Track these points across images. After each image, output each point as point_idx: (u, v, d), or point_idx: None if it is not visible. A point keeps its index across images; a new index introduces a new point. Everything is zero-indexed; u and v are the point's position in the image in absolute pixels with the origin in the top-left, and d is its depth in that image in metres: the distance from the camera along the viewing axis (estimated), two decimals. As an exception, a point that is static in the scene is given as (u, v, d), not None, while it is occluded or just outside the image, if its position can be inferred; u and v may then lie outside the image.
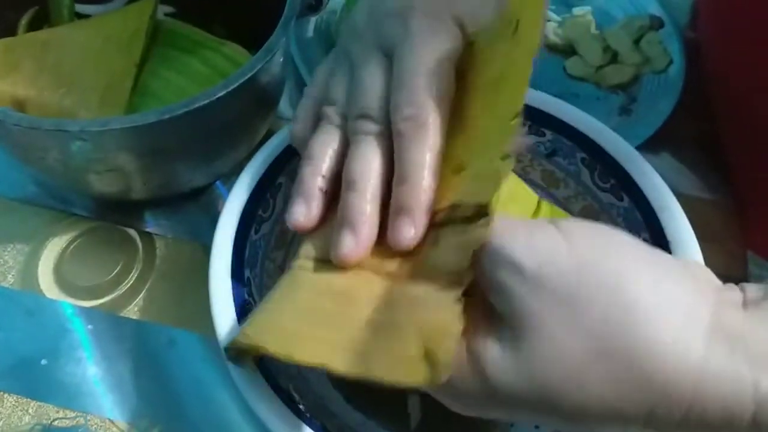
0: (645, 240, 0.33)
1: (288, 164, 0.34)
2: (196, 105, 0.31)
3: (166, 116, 0.30)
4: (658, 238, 0.32)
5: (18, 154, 0.36)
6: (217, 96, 0.31)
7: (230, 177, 0.40)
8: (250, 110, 0.37)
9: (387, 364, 0.21)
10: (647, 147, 0.44)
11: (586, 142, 0.35)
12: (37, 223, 0.39)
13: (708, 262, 0.28)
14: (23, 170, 0.40)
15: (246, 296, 0.29)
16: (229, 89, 0.32)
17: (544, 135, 0.36)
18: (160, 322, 0.36)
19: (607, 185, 0.35)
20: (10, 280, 0.37)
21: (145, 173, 0.35)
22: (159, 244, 0.39)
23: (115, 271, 0.38)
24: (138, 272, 0.38)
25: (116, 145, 0.32)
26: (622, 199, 0.34)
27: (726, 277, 0.22)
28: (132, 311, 0.36)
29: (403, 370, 0.21)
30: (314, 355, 0.22)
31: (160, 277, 0.38)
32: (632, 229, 0.34)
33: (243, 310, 0.28)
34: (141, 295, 0.37)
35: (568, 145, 0.36)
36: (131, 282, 0.37)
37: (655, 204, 0.33)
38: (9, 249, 0.38)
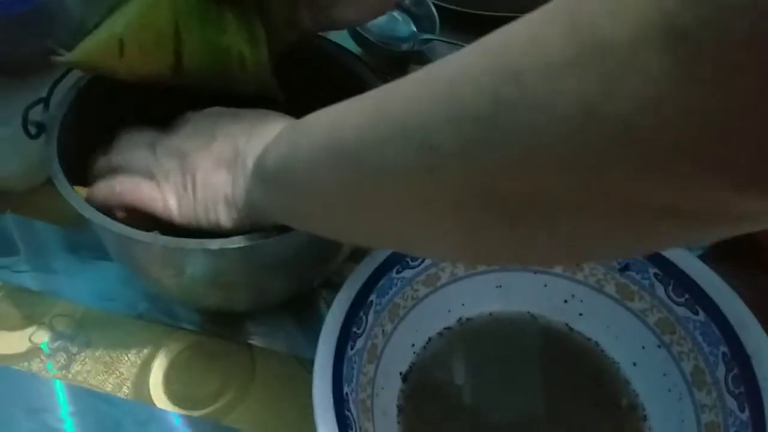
0: (724, 354, 0.34)
1: (377, 283, 0.37)
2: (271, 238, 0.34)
3: (284, 234, 0.34)
4: (739, 353, 0.33)
5: (138, 272, 0.41)
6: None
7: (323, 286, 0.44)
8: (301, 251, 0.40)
9: None
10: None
11: (657, 258, 0.37)
12: (148, 336, 0.43)
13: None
14: (135, 287, 0.45)
15: (346, 412, 0.32)
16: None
17: (616, 252, 0.38)
18: (259, 432, 0.39)
19: (682, 299, 0.36)
20: (125, 391, 0.41)
21: (251, 287, 0.39)
22: (258, 355, 0.42)
23: (218, 382, 0.41)
24: (239, 382, 0.41)
25: (234, 261, 0.36)
26: (697, 313, 0.36)
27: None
28: (234, 420, 0.39)
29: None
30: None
31: (260, 387, 0.41)
32: (711, 342, 0.35)
33: (343, 426, 0.31)
34: (242, 404, 0.40)
35: (640, 260, 0.38)
36: (233, 392, 0.41)
37: (732, 319, 0.34)
38: (124, 361, 0.42)
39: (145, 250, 0.36)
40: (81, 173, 0.39)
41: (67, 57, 0.38)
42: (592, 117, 0.15)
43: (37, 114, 0.39)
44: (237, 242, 0.33)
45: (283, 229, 0.34)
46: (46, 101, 0.40)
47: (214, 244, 0.33)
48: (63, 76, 0.41)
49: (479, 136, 0.18)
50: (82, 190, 0.38)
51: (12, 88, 0.50)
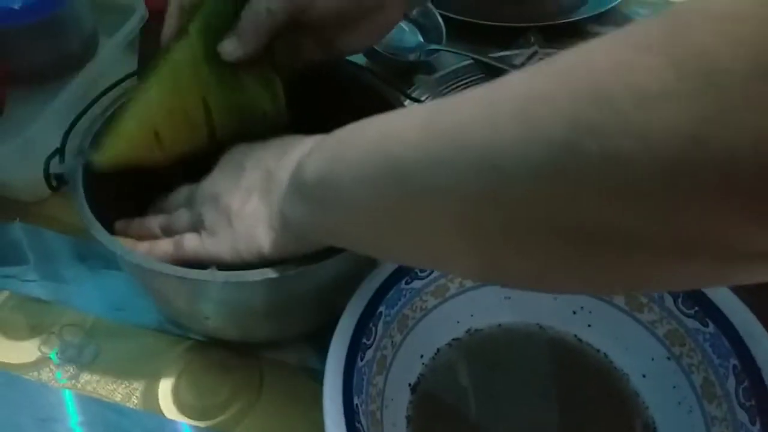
0: (735, 366, 0.34)
1: (386, 294, 0.37)
2: (330, 258, 0.34)
3: (301, 269, 0.34)
4: (749, 366, 0.33)
5: (150, 294, 0.41)
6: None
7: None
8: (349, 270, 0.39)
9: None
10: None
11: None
12: (157, 346, 0.43)
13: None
14: (145, 297, 0.45)
15: (356, 424, 0.32)
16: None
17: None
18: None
19: (692, 311, 0.36)
20: (134, 401, 0.41)
21: (264, 318, 0.39)
22: (267, 366, 0.42)
23: (227, 392, 0.41)
24: (248, 393, 0.41)
25: (248, 294, 0.36)
26: (707, 325, 0.36)
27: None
28: (243, 431, 0.39)
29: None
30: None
31: (268, 398, 0.41)
32: (721, 355, 0.35)
33: (354, 438, 0.31)
34: (251, 415, 0.40)
35: (650, 272, 0.38)
36: (242, 403, 0.41)
37: (742, 331, 0.34)
38: (134, 372, 0.42)
39: (203, 288, 0.35)
40: (112, 213, 0.39)
41: (104, 159, 0.38)
42: (694, 147, 0.15)
43: (54, 165, 0.39)
44: (291, 268, 0.33)
45: (334, 251, 0.34)
46: (60, 152, 0.40)
47: (273, 272, 0.33)
48: (73, 125, 0.41)
49: (552, 159, 0.17)
50: (126, 241, 0.38)
51: (23, 98, 0.50)
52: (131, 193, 0.42)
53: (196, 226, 0.37)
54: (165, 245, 0.37)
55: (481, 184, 0.19)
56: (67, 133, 0.40)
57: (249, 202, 0.35)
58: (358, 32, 0.40)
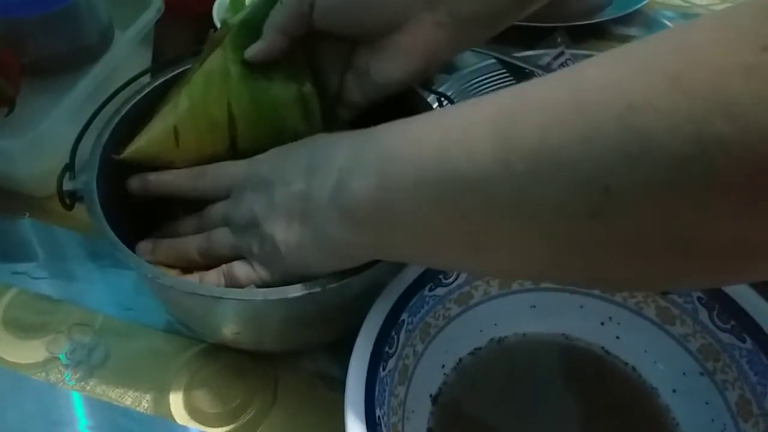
0: (774, 385, 0.32)
1: (409, 301, 0.36)
2: (369, 269, 0.33)
3: (317, 289, 0.32)
4: (789, 385, 0.32)
5: (171, 309, 0.40)
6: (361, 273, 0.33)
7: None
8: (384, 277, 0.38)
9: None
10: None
11: (702, 282, 0.36)
12: (168, 349, 0.42)
13: None
14: (155, 299, 0.44)
15: (378, 437, 0.31)
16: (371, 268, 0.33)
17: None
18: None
19: (728, 326, 0.35)
20: (144, 405, 0.40)
21: (294, 329, 0.38)
22: (281, 372, 0.41)
23: (240, 399, 0.40)
24: (261, 400, 0.40)
25: (266, 312, 0.35)
26: (744, 341, 0.34)
27: None
28: (256, 439, 0.38)
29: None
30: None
31: (283, 405, 0.39)
32: (758, 372, 0.33)
33: (377, 452, 0.29)
34: (264, 423, 0.39)
35: (684, 284, 0.36)
36: (255, 410, 0.39)
37: (783, 348, 0.33)
38: (144, 375, 0.41)
39: (239, 307, 0.34)
40: (127, 224, 0.37)
41: (125, 154, 0.38)
42: None
43: (66, 182, 0.37)
44: (333, 281, 0.32)
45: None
46: (70, 168, 0.38)
47: (317, 286, 0.32)
48: (80, 137, 0.39)
49: (671, 175, 0.16)
50: (170, 271, 0.37)
51: (36, 91, 0.49)
52: (146, 204, 0.40)
53: (239, 252, 0.35)
54: (215, 277, 0.35)
55: (583, 201, 0.18)
56: (75, 147, 0.39)
57: (291, 230, 0.32)
58: (387, 56, 0.37)
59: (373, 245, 0.29)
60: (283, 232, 0.33)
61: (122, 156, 0.38)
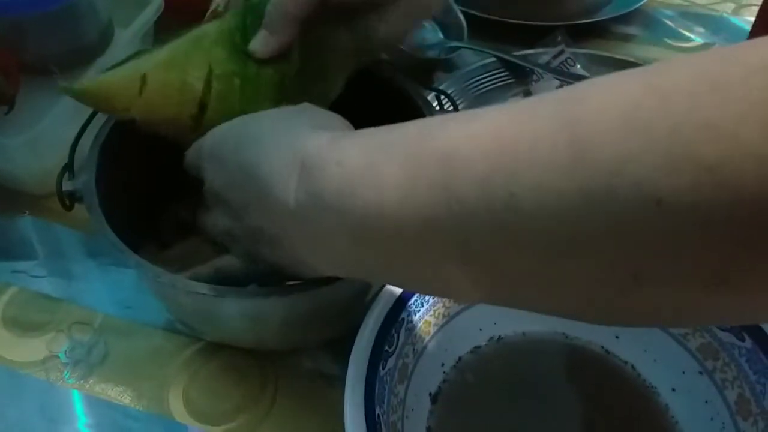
0: (773, 384, 0.32)
1: (409, 300, 0.36)
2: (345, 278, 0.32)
3: (317, 287, 0.32)
4: (789, 384, 0.32)
5: (163, 301, 0.40)
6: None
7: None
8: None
9: None
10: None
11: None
12: (168, 348, 0.42)
13: None
14: (155, 297, 0.44)
15: (378, 436, 0.31)
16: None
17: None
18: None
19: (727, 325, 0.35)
20: (144, 404, 0.40)
21: (280, 332, 0.38)
22: (281, 370, 0.41)
23: (240, 397, 0.40)
24: (262, 399, 0.40)
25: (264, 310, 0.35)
26: (743, 340, 0.34)
27: None
28: (256, 438, 0.38)
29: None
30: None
31: (283, 403, 0.39)
32: (758, 371, 0.34)
33: (376, 451, 0.29)
34: (264, 421, 0.39)
35: (684, 282, 0.36)
36: (255, 408, 0.39)
37: (782, 347, 0.33)
38: (143, 373, 0.41)
39: (243, 304, 0.34)
40: (127, 224, 0.36)
41: (78, 85, 0.35)
42: None
43: (65, 182, 0.37)
44: (334, 279, 0.32)
45: None
46: (69, 167, 0.37)
47: (317, 283, 0.32)
48: (79, 135, 0.39)
49: (737, 214, 0.15)
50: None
51: (35, 89, 0.49)
52: (146, 203, 0.40)
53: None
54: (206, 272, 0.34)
55: (644, 222, 0.17)
56: (74, 146, 0.38)
57: (278, 251, 0.30)
58: (391, 17, 0.36)
59: (384, 270, 0.27)
60: (268, 254, 0.31)
61: (77, 87, 0.35)
